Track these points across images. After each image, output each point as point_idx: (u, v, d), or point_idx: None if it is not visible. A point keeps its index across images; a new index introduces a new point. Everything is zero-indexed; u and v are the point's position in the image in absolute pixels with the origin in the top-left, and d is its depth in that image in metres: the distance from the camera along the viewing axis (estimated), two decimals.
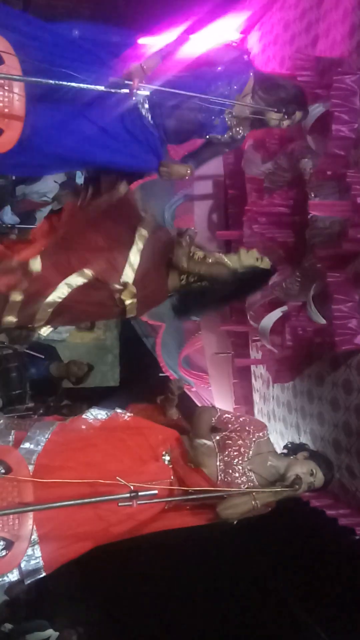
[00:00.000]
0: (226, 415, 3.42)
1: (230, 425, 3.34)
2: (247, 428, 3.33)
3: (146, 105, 3.21)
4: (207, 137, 3.43)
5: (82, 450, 3.07)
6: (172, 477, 3.13)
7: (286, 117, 3.40)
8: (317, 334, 4.12)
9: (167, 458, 3.19)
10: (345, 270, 3.80)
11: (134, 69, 2.98)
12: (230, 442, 3.27)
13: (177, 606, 5.37)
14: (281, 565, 4.80)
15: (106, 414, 3.27)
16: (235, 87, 3.31)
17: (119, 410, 3.30)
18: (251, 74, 3.38)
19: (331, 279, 3.78)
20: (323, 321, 3.91)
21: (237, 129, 3.42)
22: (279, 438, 4.98)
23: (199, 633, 5.23)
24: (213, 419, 3.38)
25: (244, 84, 3.35)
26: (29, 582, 2.83)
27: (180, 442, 3.26)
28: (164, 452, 3.19)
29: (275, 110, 3.38)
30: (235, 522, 3.20)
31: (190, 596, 5.38)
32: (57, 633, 5.41)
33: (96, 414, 3.25)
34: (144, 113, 3.21)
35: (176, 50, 3.22)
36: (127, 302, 3.06)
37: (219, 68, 3.31)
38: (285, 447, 3.52)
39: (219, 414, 3.41)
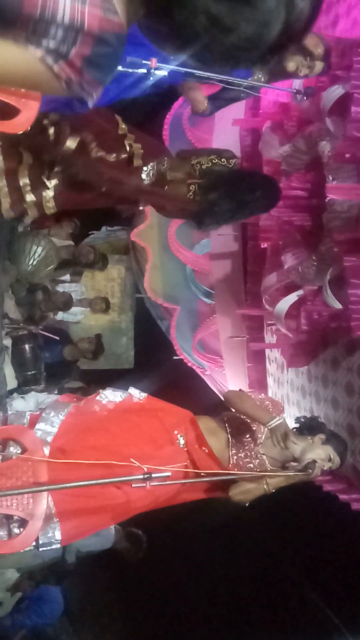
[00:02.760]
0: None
1: None
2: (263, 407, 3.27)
3: None
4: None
5: (96, 433, 3.07)
6: (186, 461, 3.13)
7: (305, 58, 3.33)
8: (332, 319, 4.10)
9: (182, 441, 3.18)
10: None
11: None
12: (242, 424, 3.25)
13: (191, 589, 5.43)
14: (294, 550, 4.83)
15: (120, 395, 3.26)
16: None
17: (132, 391, 3.28)
18: None
19: (348, 263, 3.75)
20: (339, 306, 3.88)
21: (259, 74, 3.37)
22: (292, 422, 4.97)
23: (212, 617, 5.28)
24: (253, 397, 3.33)
25: None
26: (42, 550, 2.86)
27: (195, 424, 3.24)
28: (178, 435, 3.18)
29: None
30: (247, 504, 3.18)
31: (203, 581, 5.43)
32: None
33: (110, 396, 3.24)
34: None
35: None
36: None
37: None
38: (297, 421, 3.44)
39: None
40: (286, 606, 4.86)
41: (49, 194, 3.25)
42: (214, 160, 3.32)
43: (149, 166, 3.29)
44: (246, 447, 3.20)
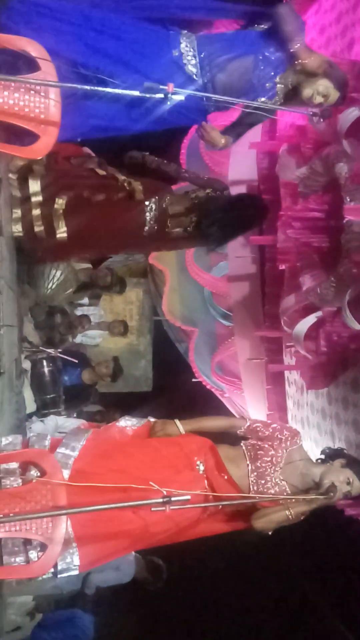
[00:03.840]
0: (256, 424, 3.38)
1: (260, 434, 3.30)
2: (278, 436, 3.28)
3: (193, 61, 3.20)
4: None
5: (116, 458, 3.07)
6: (206, 487, 3.11)
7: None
8: (352, 340, 4.07)
9: (202, 467, 3.17)
10: None
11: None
12: (261, 451, 3.23)
13: (213, 618, 5.36)
14: (316, 573, 4.76)
15: (140, 422, 3.28)
16: (290, 54, 3.28)
17: (151, 419, 3.31)
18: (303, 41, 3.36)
19: None
20: (359, 327, 3.86)
21: (280, 95, 3.41)
22: (313, 445, 4.93)
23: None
24: (240, 430, 3.37)
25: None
26: (61, 576, 2.84)
27: (215, 451, 3.23)
28: (198, 462, 3.17)
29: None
30: (270, 533, 3.15)
31: (224, 610, 5.37)
32: None
33: (129, 422, 3.26)
34: (190, 72, 3.20)
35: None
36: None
37: (280, 32, 3.28)
38: (322, 452, 3.45)
39: (248, 423, 3.38)
40: (311, 631, 4.79)
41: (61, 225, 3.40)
42: (209, 193, 3.60)
43: (151, 201, 3.43)
44: (266, 474, 3.19)
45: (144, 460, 3.08)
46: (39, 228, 3.42)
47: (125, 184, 3.53)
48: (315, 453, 4.83)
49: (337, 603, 4.61)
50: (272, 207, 5.30)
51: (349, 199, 3.95)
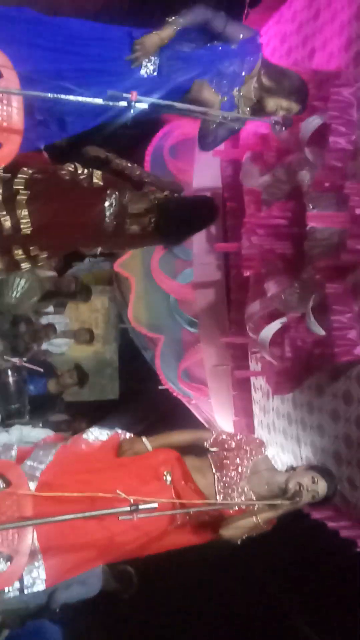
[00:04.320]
0: (222, 435, 3.43)
1: (227, 445, 3.34)
2: (244, 446, 3.33)
3: (153, 74, 3.22)
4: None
5: (82, 469, 3.08)
6: (173, 497, 3.12)
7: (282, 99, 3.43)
8: (316, 345, 4.11)
9: (169, 478, 3.18)
10: (344, 281, 3.80)
11: (148, 39, 3.05)
12: (227, 461, 3.27)
13: (179, 624, 5.33)
14: (282, 579, 4.77)
15: (107, 434, 3.28)
16: (245, 66, 3.35)
17: (119, 430, 3.31)
18: (260, 57, 3.42)
19: (330, 290, 3.78)
20: (322, 332, 3.90)
21: (244, 108, 3.46)
22: (279, 450, 4.96)
23: None
24: (206, 442, 3.40)
25: (254, 64, 3.39)
26: (27, 593, 2.80)
27: (182, 462, 3.25)
28: (165, 472, 3.18)
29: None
30: (239, 542, 3.18)
31: (190, 616, 5.35)
32: None
33: (97, 434, 3.26)
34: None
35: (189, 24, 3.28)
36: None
37: (233, 46, 3.33)
38: (287, 469, 3.51)
39: (214, 435, 3.41)
40: (277, 636, 4.80)
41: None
42: (167, 195, 3.65)
43: (112, 197, 3.43)
44: (232, 484, 3.22)
45: (110, 472, 3.08)
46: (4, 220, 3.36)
47: (86, 173, 3.52)
48: (281, 458, 4.87)
49: (300, 604, 4.64)
50: (236, 215, 5.35)
51: (311, 206, 4.00)
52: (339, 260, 3.77)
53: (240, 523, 3.11)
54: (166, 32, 3.19)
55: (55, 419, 6.71)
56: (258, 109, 3.56)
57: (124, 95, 2.87)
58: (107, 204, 3.47)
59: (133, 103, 2.89)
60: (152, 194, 3.68)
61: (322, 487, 3.23)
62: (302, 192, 4.14)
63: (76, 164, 3.58)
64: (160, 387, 7.03)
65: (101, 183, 3.54)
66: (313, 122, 3.92)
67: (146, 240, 4.00)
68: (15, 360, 5.55)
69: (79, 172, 3.52)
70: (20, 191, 3.27)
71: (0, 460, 3.00)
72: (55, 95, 2.79)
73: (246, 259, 4.86)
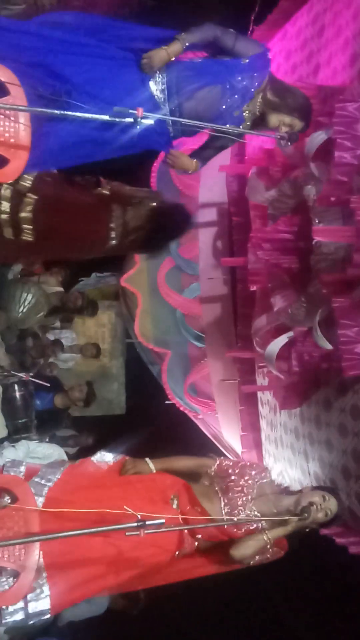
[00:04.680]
0: (226, 462, 3.45)
1: (230, 471, 3.37)
2: (248, 471, 3.35)
3: (162, 86, 3.23)
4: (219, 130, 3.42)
5: (90, 488, 3.07)
6: (180, 521, 3.12)
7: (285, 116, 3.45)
8: (323, 360, 4.10)
9: (175, 502, 3.17)
10: (350, 295, 3.80)
11: (156, 53, 3.07)
12: (233, 485, 3.29)
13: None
14: (290, 594, 4.73)
15: (114, 457, 3.29)
16: (255, 81, 3.35)
17: (127, 458, 3.32)
18: (268, 72, 3.43)
19: (337, 304, 3.77)
20: (329, 346, 3.89)
21: (247, 121, 3.47)
22: (286, 465, 4.94)
23: None
24: (209, 469, 3.40)
25: (263, 79, 3.38)
26: (32, 622, 2.77)
27: (188, 488, 3.25)
28: (171, 496, 3.17)
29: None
30: (251, 563, 3.15)
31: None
32: None
33: (104, 457, 3.27)
34: (158, 98, 3.24)
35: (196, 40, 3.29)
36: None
37: (245, 60, 3.32)
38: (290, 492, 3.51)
39: (217, 462, 3.43)
40: None
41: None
42: (155, 206, 3.63)
43: (117, 216, 3.49)
44: (239, 506, 3.23)
45: (118, 491, 3.08)
46: (7, 230, 3.39)
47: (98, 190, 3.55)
48: (289, 473, 4.85)
49: (308, 619, 4.60)
50: (242, 229, 5.37)
51: (317, 221, 4.01)
52: (345, 274, 3.77)
53: (250, 542, 3.10)
54: (174, 48, 3.20)
55: (62, 434, 6.69)
56: (260, 124, 3.56)
57: (130, 111, 2.89)
58: (113, 226, 3.51)
59: (139, 119, 2.91)
60: (145, 206, 3.71)
61: (333, 503, 3.23)
62: (308, 206, 4.15)
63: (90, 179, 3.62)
64: (167, 402, 7.03)
65: (107, 192, 3.55)
66: (318, 137, 3.94)
67: (135, 251, 4.06)
68: (22, 375, 5.55)
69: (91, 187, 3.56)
70: (27, 205, 3.30)
71: (8, 475, 3.00)
72: (62, 112, 2.81)
73: (252, 273, 4.87)
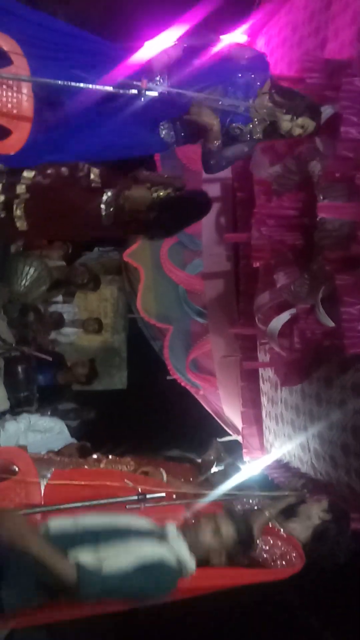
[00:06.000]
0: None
1: None
2: None
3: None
4: (229, 127, 3.41)
5: (92, 473, 3.08)
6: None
7: (295, 117, 3.40)
8: (325, 337, 4.10)
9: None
10: (354, 273, 3.78)
11: (156, 59, 3.06)
12: None
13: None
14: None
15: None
16: (257, 79, 3.34)
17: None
18: (269, 75, 3.42)
19: (340, 282, 3.76)
20: (332, 324, 3.89)
21: (257, 127, 3.44)
22: (287, 441, 4.96)
23: None
24: None
25: (265, 79, 3.38)
26: None
27: None
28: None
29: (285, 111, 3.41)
30: (258, 544, 3.02)
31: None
32: None
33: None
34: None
35: (196, 43, 3.28)
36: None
37: (242, 62, 3.35)
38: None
39: None
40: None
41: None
42: (169, 193, 3.68)
43: (108, 194, 3.48)
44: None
45: (118, 474, 3.09)
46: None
47: (85, 170, 3.56)
48: (289, 449, 4.87)
49: (310, 599, 4.62)
50: (246, 205, 5.33)
51: (322, 197, 3.98)
52: (349, 252, 3.76)
53: (254, 522, 3.05)
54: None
55: (64, 407, 6.74)
56: (272, 131, 3.54)
57: (135, 82, 2.87)
58: (103, 201, 3.52)
59: (144, 91, 2.89)
60: (155, 191, 3.70)
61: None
62: (313, 182, 4.12)
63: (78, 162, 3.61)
64: (168, 378, 7.05)
65: (99, 180, 3.57)
66: (324, 112, 3.89)
67: (140, 233, 4.07)
68: (24, 349, 5.57)
69: (79, 167, 3.55)
70: (21, 195, 3.35)
71: (10, 447, 3.03)
72: (65, 83, 2.78)
73: (256, 249, 4.85)
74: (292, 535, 2.96)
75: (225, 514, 2.77)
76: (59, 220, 3.60)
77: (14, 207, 3.43)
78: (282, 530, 2.96)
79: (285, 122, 3.45)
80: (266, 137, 3.56)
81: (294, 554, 2.93)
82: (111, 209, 3.52)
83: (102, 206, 3.51)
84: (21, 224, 3.48)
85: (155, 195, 3.66)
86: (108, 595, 2.30)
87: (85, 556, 2.26)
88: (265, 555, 2.89)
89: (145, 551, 2.44)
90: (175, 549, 2.51)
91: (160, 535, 2.51)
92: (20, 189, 3.40)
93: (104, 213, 3.52)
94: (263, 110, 3.41)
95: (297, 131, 3.48)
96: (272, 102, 3.42)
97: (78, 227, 3.71)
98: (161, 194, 3.66)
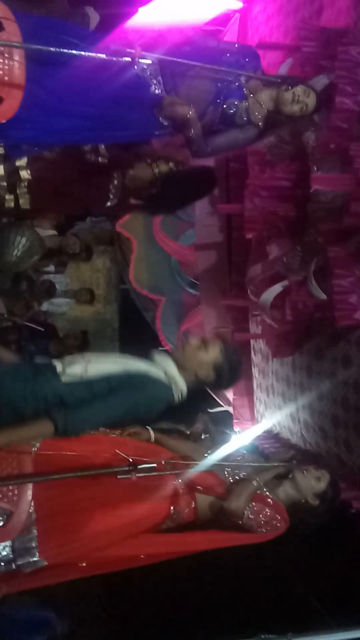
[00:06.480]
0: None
1: None
2: None
3: (154, 74, 3.19)
4: (224, 103, 3.39)
5: (84, 442, 3.08)
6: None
7: (290, 87, 3.38)
8: (317, 309, 4.11)
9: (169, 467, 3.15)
10: (346, 245, 3.78)
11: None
12: None
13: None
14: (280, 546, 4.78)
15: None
16: (247, 60, 3.35)
17: None
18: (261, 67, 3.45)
19: (332, 254, 3.76)
20: (323, 296, 3.89)
21: (255, 113, 3.42)
22: (277, 412, 5.00)
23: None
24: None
25: (256, 64, 3.45)
26: (20, 563, 2.79)
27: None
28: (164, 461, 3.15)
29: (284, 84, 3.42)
30: (245, 513, 3.07)
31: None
32: None
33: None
34: (153, 85, 3.19)
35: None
36: None
37: (232, 48, 3.47)
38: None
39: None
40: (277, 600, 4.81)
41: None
42: (171, 167, 3.74)
43: (116, 180, 3.52)
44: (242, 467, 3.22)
45: (109, 442, 3.09)
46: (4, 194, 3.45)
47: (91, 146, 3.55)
48: (279, 420, 4.91)
49: (299, 566, 4.67)
50: (240, 176, 5.29)
51: (315, 168, 3.95)
52: (341, 224, 3.75)
53: (242, 491, 3.08)
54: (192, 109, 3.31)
55: None
56: (273, 118, 3.54)
57: (128, 50, 2.82)
58: (111, 189, 3.54)
59: (137, 59, 2.85)
60: (155, 166, 3.69)
61: (325, 476, 3.19)
62: (307, 153, 4.08)
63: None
64: (160, 349, 7.06)
65: (106, 154, 3.55)
66: (319, 82, 3.84)
67: (143, 210, 4.07)
68: (16, 319, 5.56)
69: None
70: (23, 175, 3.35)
71: None
72: (58, 50, 2.74)
73: (248, 221, 4.83)
74: (278, 499, 3.07)
75: None
76: (64, 203, 3.62)
77: (17, 188, 3.43)
78: (269, 497, 3.05)
79: (286, 95, 3.42)
80: (269, 127, 3.55)
81: (279, 517, 3.04)
82: (119, 192, 3.56)
83: (113, 190, 3.55)
84: (24, 202, 3.48)
85: (156, 170, 3.67)
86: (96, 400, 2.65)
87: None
88: (251, 521, 3.01)
89: (131, 362, 2.91)
90: (163, 365, 2.92)
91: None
92: (24, 174, 3.40)
93: (111, 196, 3.56)
94: (261, 97, 3.41)
95: (296, 107, 3.47)
96: (265, 84, 3.43)
97: (83, 208, 3.76)
98: (163, 168, 3.64)
